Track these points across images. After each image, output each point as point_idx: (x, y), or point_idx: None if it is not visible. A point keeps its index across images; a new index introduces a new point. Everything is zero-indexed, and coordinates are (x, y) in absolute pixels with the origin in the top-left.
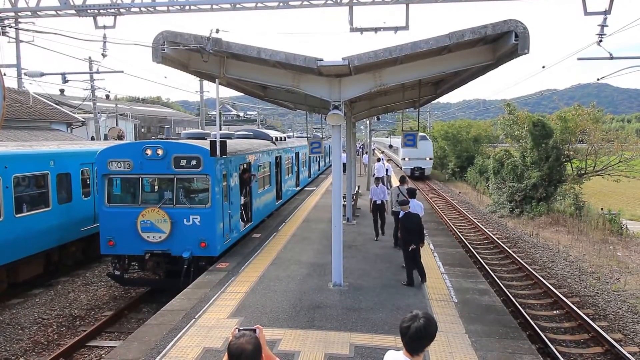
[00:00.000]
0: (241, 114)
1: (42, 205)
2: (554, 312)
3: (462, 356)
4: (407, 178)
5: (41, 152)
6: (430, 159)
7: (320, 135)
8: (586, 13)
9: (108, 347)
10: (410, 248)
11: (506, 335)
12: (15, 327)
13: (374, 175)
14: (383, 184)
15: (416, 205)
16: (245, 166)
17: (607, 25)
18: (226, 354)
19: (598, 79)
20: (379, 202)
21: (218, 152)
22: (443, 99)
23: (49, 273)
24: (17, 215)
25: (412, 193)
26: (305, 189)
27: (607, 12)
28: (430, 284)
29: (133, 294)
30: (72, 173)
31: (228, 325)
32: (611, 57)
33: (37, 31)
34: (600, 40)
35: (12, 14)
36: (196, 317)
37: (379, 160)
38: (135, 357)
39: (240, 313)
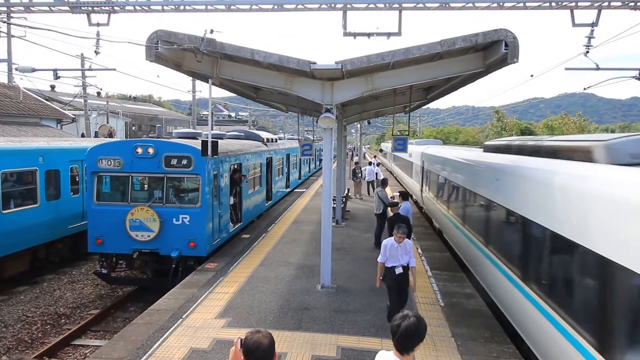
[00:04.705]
0: (233, 114)
1: (30, 202)
2: None
3: (448, 359)
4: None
5: (30, 148)
6: None
7: (312, 138)
8: (574, 24)
9: (93, 346)
10: None
11: (491, 339)
12: None
13: (365, 178)
14: (408, 237)
15: (408, 207)
16: (236, 167)
17: (594, 37)
18: (234, 350)
19: (585, 89)
20: (399, 270)
21: (209, 152)
22: (433, 105)
23: (34, 270)
24: (4, 211)
25: (404, 195)
26: (296, 190)
27: (594, 24)
28: (417, 287)
29: (120, 292)
30: (61, 170)
31: (215, 326)
32: (597, 68)
33: (29, 27)
34: (587, 51)
35: (5, 8)
36: (183, 317)
37: (370, 164)
38: (121, 356)
39: (228, 314)
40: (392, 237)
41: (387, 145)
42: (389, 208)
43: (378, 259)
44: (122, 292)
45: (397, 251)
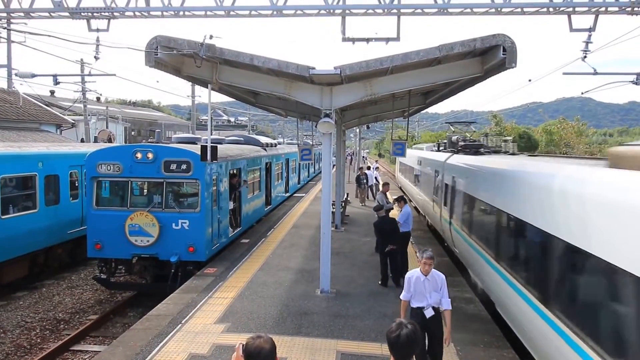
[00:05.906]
0: (232, 119)
1: (29, 207)
2: None
3: None
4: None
5: (29, 154)
6: None
7: (311, 142)
8: (572, 30)
9: (92, 351)
10: (387, 249)
11: (491, 344)
12: None
13: (366, 183)
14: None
15: (409, 212)
16: (235, 171)
17: (591, 42)
18: (235, 356)
19: (582, 93)
20: (429, 312)
21: (209, 157)
22: (432, 109)
23: (33, 275)
24: (3, 217)
25: (404, 199)
26: (295, 195)
27: (591, 29)
28: None
29: (119, 297)
30: (61, 175)
31: (215, 331)
32: (595, 73)
33: (29, 32)
34: (585, 56)
35: (5, 14)
36: (182, 322)
37: (368, 168)
38: None
39: (227, 319)
40: (418, 269)
41: (420, 156)
42: (389, 211)
43: (401, 296)
44: (122, 298)
45: (424, 286)
